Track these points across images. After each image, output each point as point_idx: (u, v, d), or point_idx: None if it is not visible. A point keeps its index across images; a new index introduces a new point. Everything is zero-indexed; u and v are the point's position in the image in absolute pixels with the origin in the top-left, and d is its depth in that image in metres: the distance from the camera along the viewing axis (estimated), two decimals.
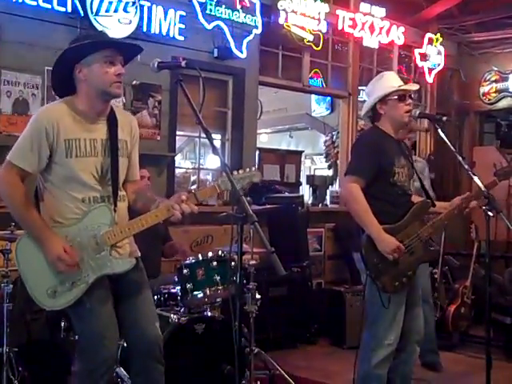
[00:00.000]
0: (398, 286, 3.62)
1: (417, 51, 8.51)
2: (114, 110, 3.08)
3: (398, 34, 8.07)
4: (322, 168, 10.84)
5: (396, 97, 3.74)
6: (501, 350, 5.72)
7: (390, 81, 3.83)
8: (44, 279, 2.89)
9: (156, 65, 2.89)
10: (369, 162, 3.68)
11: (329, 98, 9.98)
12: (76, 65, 2.94)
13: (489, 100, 9.05)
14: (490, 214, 3.45)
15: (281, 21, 6.83)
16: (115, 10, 5.53)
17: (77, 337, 3.08)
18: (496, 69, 8.91)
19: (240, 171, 2.92)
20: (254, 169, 2.92)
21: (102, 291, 2.96)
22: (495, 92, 8.95)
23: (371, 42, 7.81)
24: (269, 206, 5.69)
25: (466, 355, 5.82)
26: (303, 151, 9.29)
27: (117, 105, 5.52)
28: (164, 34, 5.90)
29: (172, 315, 3.96)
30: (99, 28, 5.43)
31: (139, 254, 3.21)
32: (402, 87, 3.77)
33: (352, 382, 3.81)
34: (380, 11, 7.81)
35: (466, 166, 3.70)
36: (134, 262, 3.02)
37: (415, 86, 3.94)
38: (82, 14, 5.36)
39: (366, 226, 3.60)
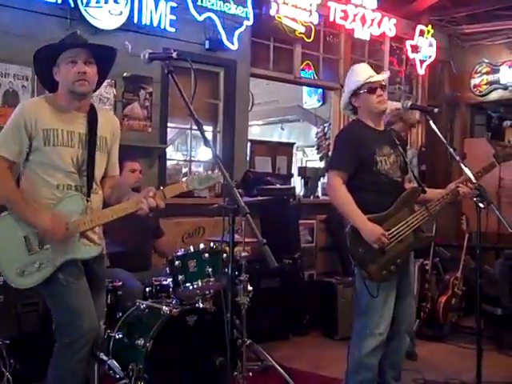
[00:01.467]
0: (386, 274, 3.63)
1: (408, 43, 8.50)
2: (97, 109, 3.29)
3: (389, 26, 8.05)
4: (313, 160, 10.86)
5: (366, 89, 3.77)
6: (491, 340, 5.76)
7: (358, 74, 3.86)
8: (14, 258, 3.05)
9: (147, 56, 2.89)
10: (348, 154, 3.72)
11: (320, 90, 10.00)
12: (53, 66, 3.17)
13: (480, 92, 9.06)
14: (481, 205, 3.46)
15: (272, 12, 6.81)
16: (106, 1, 5.50)
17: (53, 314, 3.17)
18: (487, 61, 8.92)
19: (207, 172, 3.02)
20: (216, 171, 2.97)
21: (75, 269, 3.11)
22: (486, 84, 8.96)
23: (363, 33, 7.79)
24: (260, 198, 5.68)
25: (457, 346, 5.85)
26: (295, 143, 9.28)
27: (107, 97, 5.60)
28: (155, 25, 5.86)
29: (164, 307, 3.95)
30: (89, 19, 5.42)
31: (104, 251, 3.36)
32: (368, 79, 3.77)
33: (345, 373, 3.84)
34: (371, 3, 7.79)
35: (457, 158, 3.71)
36: (99, 250, 3.20)
37: (382, 76, 3.89)
38: (73, 5, 5.33)
39: (349, 216, 3.63)
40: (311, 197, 7.64)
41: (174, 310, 3.92)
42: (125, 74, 5.74)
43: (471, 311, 5.97)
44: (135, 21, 5.75)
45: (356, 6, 7.66)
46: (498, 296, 6.16)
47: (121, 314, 4.10)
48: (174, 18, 5.97)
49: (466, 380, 4.61)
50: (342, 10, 7.55)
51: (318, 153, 9.73)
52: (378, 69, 4.46)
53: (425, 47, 8.64)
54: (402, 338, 3.90)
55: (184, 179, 3.00)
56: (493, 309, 6.07)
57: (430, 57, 8.74)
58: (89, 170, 3.16)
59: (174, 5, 5.97)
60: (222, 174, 2.72)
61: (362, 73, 3.86)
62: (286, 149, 7.94)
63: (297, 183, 8.20)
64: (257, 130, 12.33)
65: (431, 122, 3.77)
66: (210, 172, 3.02)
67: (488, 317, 5.92)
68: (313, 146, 10.45)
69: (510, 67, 8.60)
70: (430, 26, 8.67)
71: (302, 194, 7.70)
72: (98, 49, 3.25)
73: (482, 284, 4.06)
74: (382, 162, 3.73)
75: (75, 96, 3.14)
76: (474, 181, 3.58)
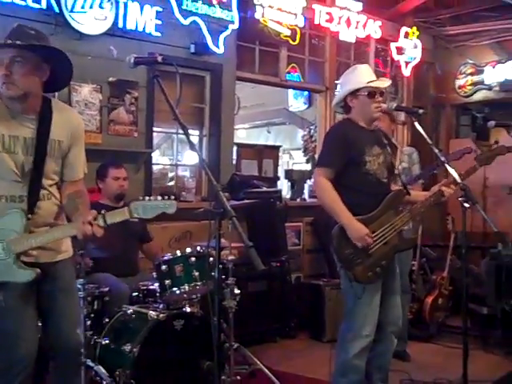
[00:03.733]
0: (372, 276, 3.65)
1: (393, 45, 8.54)
2: (54, 108, 3.01)
3: (374, 28, 8.09)
4: (300, 162, 10.86)
5: (366, 93, 3.77)
6: (478, 339, 5.80)
7: (361, 75, 3.84)
8: None
9: (132, 60, 2.88)
10: (337, 152, 3.73)
11: (306, 93, 10.01)
12: None
13: (464, 93, 9.11)
14: (466, 205, 3.48)
15: (257, 16, 6.83)
16: (90, 7, 5.49)
17: None
18: (471, 62, 8.98)
19: (158, 198, 2.85)
20: (171, 198, 2.87)
21: (18, 291, 2.87)
22: (471, 85, 9.02)
23: (348, 36, 7.83)
24: (247, 201, 5.69)
25: (444, 345, 5.88)
26: (281, 146, 9.29)
27: (93, 102, 5.59)
28: (140, 30, 5.86)
29: (150, 312, 3.95)
30: (74, 24, 5.41)
31: (69, 255, 3.15)
32: (372, 83, 3.78)
33: (332, 375, 3.86)
34: (356, 5, 7.83)
35: (443, 159, 3.73)
36: (33, 276, 2.85)
37: (386, 83, 3.91)
38: (57, 11, 5.32)
39: (335, 214, 3.64)
40: (298, 199, 7.66)
41: (161, 314, 3.92)
42: (110, 79, 5.73)
43: (458, 311, 6.01)
44: (120, 26, 5.74)
45: (341, 8, 7.70)
46: (484, 295, 6.19)
47: (107, 320, 4.09)
48: (159, 22, 5.97)
49: (452, 379, 4.64)
50: (327, 13, 7.58)
51: (304, 155, 9.75)
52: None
53: (409, 49, 8.68)
54: (389, 339, 3.91)
55: (131, 204, 2.83)
56: (479, 308, 6.10)
57: (414, 58, 8.79)
58: (34, 178, 2.91)
59: (160, 9, 5.97)
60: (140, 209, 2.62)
61: (365, 74, 3.85)
62: (273, 152, 7.95)
63: (283, 186, 8.22)
64: (243, 134, 12.34)
65: (416, 124, 3.78)
66: (160, 200, 2.85)
67: (474, 316, 5.96)
68: (299, 149, 10.46)
69: (494, 68, 8.66)
70: (414, 28, 8.72)
71: (288, 196, 7.71)
72: (27, 47, 2.83)
73: (468, 283, 4.09)
74: (370, 163, 3.75)
75: (5, 99, 2.88)
76: (459, 181, 3.60)
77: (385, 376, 3.98)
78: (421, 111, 3.93)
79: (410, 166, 5.40)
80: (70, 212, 3.01)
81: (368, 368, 3.82)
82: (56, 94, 4.15)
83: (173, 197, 2.82)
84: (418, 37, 8.74)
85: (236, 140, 7.50)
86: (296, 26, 7.21)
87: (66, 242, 3.11)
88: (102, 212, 2.80)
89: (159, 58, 2.83)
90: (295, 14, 7.15)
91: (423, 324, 6.20)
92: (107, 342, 3.94)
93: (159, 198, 2.80)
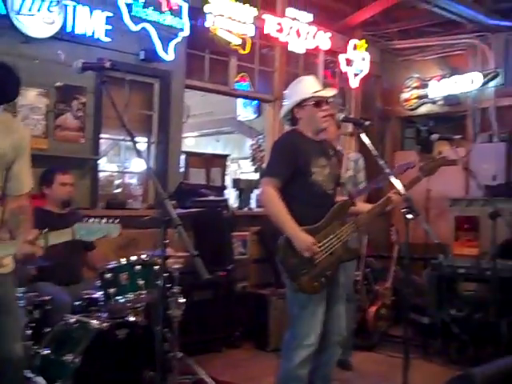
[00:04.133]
0: (317, 286, 3.67)
1: (342, 57, 8.65)
2: None
3: (323, 40, 8.18)
4: (248, 172, 10.90)
5: (313, 103, 3.81)
6: (419, 348, 5.91)
7: (307, 86, 3.88)
8: None
9: (80, 65, 2.86)
10: (284, 163, 3.74)
11: (255, 102, 10.06)
12: None
13: (410, 106, 9.30)
14: (409, 216, 3.54)
15: (208, 24, 6.83)
16: (38, 9, 5.41)
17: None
18: (416, 76, 9.18)
19: (102, 221, 2.84)
20: (115, 222, 2.86)
21: None
22: (416, 98, 9.21)
23: (297, 46, 7.90)
24: (194, 210, 5.67)
25: (386, 355, 5.97)
26: (229, 155, 9.32)
27: (39, 106, 5.50)
28: (89, 35, 5.79)
29: (93, 321, 3.90)
30: (21, 27, 5.32)
31: (11, 269, 3.09)
32: (317, 93, 3.83)
33: None
34: (306, 16, 7.91)
35: (388, 171, 3.79)
36: None
37: (331, 92, 3.96)
38: (4, 13, 5.22)
39: (281, 224, 3.65)
40: (245, 209, 7.67)
41: (104, 323, 3.88)
42: (57, 84, 5.65)
43: (400, 320, 6.10)
44: (69, 30, 5.66)
45: (291, 19, 7.76)
46: (425, 305, 6.31)
47: (48, 329, 4.01)
48: (109, 27, 5.91)
49: None
50: (278, 23, 7.64)
51: (252, 165, 9.80)
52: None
53: (358, 61, 8.81)
54: (333, 349, 3.93)
55: (75, 225, 2.79)
56: (420, 318, 6.22)
57: (362, 71, 8.91)
58: None
59: (110, 14, 5.92)
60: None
61: (311, 85, 3.88)
62: (221, 161, 7.96)
63: (231, 195, 8.22)
64: (192, 142, 12.31)
65: (363, 135, 3.83)
66: (104, 223, 2.83)
67: (415, 326, 6.08)
68: (247, 158, 10.50)
69: (438, 82, 8.87)
70: (363, 41, 8.85)
71: (235, 205, 7.72)
72: None
73: (410, 294, 4.17)
74: (316, 174, 3.77)
75: None
76: (403, 192, 3.66)
77: None
78: (367, 123, 3.98)
79: (356, 174, 5.47)
80: (13, 228, 2.95)
81: (311, 377, 3.83)
82: None
83: (117, 220, 2.82)
84: (366, 49, 8.88)
85: (184, 148, 7.48)
86: (246, 35, 7.24)
87: (7, 257, 3.03)
88: (45, 231, 2.75)
89: (107, 64, 2.82)
90: (245, 24, 7.18)
91: (366, 333, 6.29)
92: (48, 352, 3.86)
93: (103, 221, 2.80)
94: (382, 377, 5.19)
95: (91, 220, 2.74)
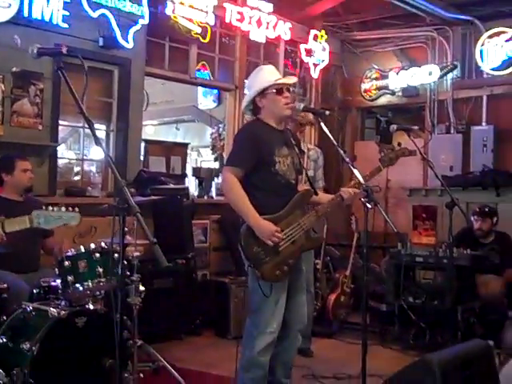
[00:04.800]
0: (279, 274, 3.69)
1: (302, 47, 8.67)
2: None
3: (284, 29, 8.19)
4: (208, 160, 10.89)
5: (274, 90, 3.83)
6: (377, 335, 6.02)
7: (267, 74, 3.90)
8: None
9: (36, 51, 2.80)
10: (247, 152, 3.75)
11: (216, 91, 10.05)
12: None
13: (370, 97, 9.37)
14: (369, 205, 3.58)
15: (168, 12, 6.77)
16: None
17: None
18: (376, 67, 9.25)
19: (62, 209, 2.80)
20: (76, 210, 2.83)
21: None
22: (376, 89, 9.28)
23: (258, 36, 7.89)
24: (153, 198, 5.65)
25: (345, 342, 6.05)
26: (189, 143, 9.29)
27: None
28: (47, 20, 5.69)
29: (51, 309, 3.83)
30: None
31: None
32: (278, 81, 3.85)
33: (236, 371, 3.88)
34: (267, 6, 7.90)
35: (347, 160, 3.83)
36: None
37: (292, 79, 4.02)
38: None
39: (242, 213, 3.67)
40: (205, 197, 7.66)
41: (63, 311, 3.82)
42: (14, 69, 5.54)
43: (359, 308, 6.18)
44: (25, 14, 5.56)
45: (252, 8, 7.75)
46: (383, 293, 6.41)
47: (5, 318, 3.94)
48: (66, 13, 5.82)
49: (352, 374, 4.78)
50: (238, 12, 7.62)
51: (212, 153, 9.78)
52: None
53: (318, 51, 8.84)
54: (294, 337, 3.96)
55: (33, 213, 2.74)
56: (378, 305, 6.32)
57: (323, 61, 8.95)
58: None
59: (67, 0, 5.83)
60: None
61: (271, 74, 3.91)
62: (181, 149, 7.93)
63: (191, 183, 8.20)
64: (151, 130, 12.23)
65: (323, 125, 3.85)
66: (64, 211, 2.79)
67: (374, 313, 6.17)
68: (208, 147, 10.48)
69: (397, 74, 8.95)
70: (323, 31, 8.88)
71: (196, 194, 7.71)
72: None
73: (369, 282, 4.21)
74: (280, 163, 3.79)
75: None
76: (363, 182, 3.70)
77: (288, 372, 4.04)
78: (327, 112, 4.02)
79: (315, 172, 5.54)
80: None
81: (272, 364, 3.87)
82: None
83: (77, 209, 2.78)
84: (326, 40, 8.91)
85: (144, 136, 7.42)
86: (207, 23, 7.20)
87: None
88: (1, 219, 2.70)
89: (64, 50, 2.77)
90: (206, 12, 7.14)
91: (326, 321, 6.35)
92: (4, 340, 3.80)
93: (63, 209, 2.76)
94: (341, 363, 5.25)
95: (50, 208, 2.69)
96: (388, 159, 4.12)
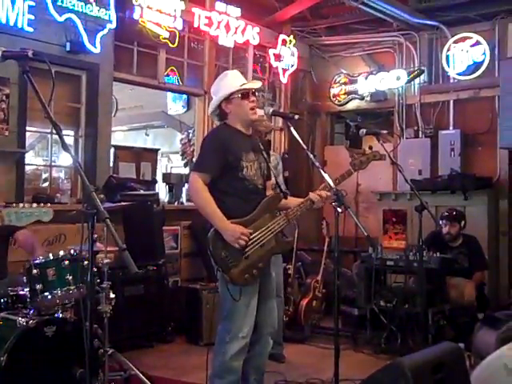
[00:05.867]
0: (248, 278, 3.67)
1: (271, 51, 8.69)
2: None
3: (253, 34, 8.21)
4: (178, 166, 10.83)
5: (239, 95, 3.83)
6: (349, 339, 6.03)
7: (232, 80, 3.91)
8: None
9: (0, 54, 2.74)
10: (213, 157, 3.75)
11: (185, 96, 10.02)
12: None
13: (339, 101, 9.42)
14: (339, 210, 3.58)
15: (136, 16, 6.73)
16: None
17: None
18: (345, 72, 9.30)
19: (33, 205, 2.77)
20: (48, 205, 2.80)
21: None
22: (344, 94, 9.33)
23: (227, 40, 7.89)
24: (123, 204, 5.59)
25: (317, 346, 6.04)
26: (159, 149, 9.23)
27: None
28: (11, 24, 5.62)
29: (19, 318, 3.77)
30: None
31: None
32: (244, 85, 3.85)
33: (209, 378, 3.85)
34: (235, 11, 7.91)
35: (317, 164, 3.83)
36: None
37: (257, 84, 4.01)
38: None
39: (209, 217, 3.66)
40: (176, 203, 7.62)
41: (31, 321, 3.75)
42: None
43: (330, 312, 6.20)
44: None
45: (220, 13, 7.74)
46: (355, 297, 6.42)
47: None
48: (32, 17, 5.75)
49: (325, 379, 4.78)
50: (207, 17, 7.61)
51: (182, 159, 9.73)
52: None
53: (287, 56, 8.88)
54: (265, 341, 3.95)
55: (3, 210, 2.68)
56: (350, 309, 6.33)
57: (292, 66, 8.99)
58: None
59: (32, 3, 5.76)
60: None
61: (236, 79, 3.92)
62: (151, 155, 7.89)
63: (161, 189, 8.15)
64: (121, 136, 12.13)
65: (292, 129, 3.86)
66: (35, 207, 2.74)
67: (346, 317, 6.18)
68: (177, 153, 10.43)
69: (366, 78, 9.01)
70: (291, 36, 8.92)
71: (166, 200, 7.66)
72: None
73: (340, 286, 4.21)
74: (247, 168, 3.78)
75: None
76: (333, 186, 3.70)
77: (261, 377, 4.01)
78: (296, 117, 4.02)
79: (276, 178, 5.53)
80: None
81: (244, 369, 3.85)
82: None
83: (49, 204, 2.74)
84: (294, 45, 8.94)
85: (113, 142, 7.35)
86: (175, 28, 7.17)
87: None
88: None
89: (30, 53, 2.71)
90: (174, 17, 7.11)
91: (298, 326, 6.34)
92: None
93: (34, 205, 2.71)
94: (313, 368, 5.25)
95: (21, 205, 2.64)
96: (359, 163, 4.13)
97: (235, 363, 3.74)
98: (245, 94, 3.83)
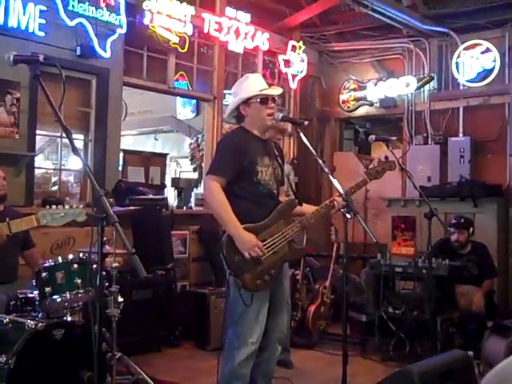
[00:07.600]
0: (260, 284, 3.65)
1: (281, 57, 8.70)
2: None
3: (262, 40, 8.22)
4: (187, 171, 10.83)
5: (259, 100, 3.82)
6: (357, 346, 6.00)
7: (254, 84, 3.89)
8: None
9: (12, 58, 2.76)
10: (229, 161, 3.73)
11: (194, 101, 10.01)
12: None
13: (348, 108, 9.42)
14: (348, 216, 3.57)
15: (146, 21, 6.75)
16: None
17: None
18: (354, 78, 9.30)
19: (66, 206, 2.80)
20: (81, 206, 2.82)
21: None
22: (354, 100, 9.33)
23: (236, 46, 7.90)
24: (132, 208, 5.60)
25: (325, 352, 6.03)
26: (168, 154, 9.24)
27: None
28: (23, 28, 5.65)
29: (28, 321, 3.78)
30: None
31: None
32: (264, 91, 3.84)
33: (216, 383, 3.84)
34: (245, 16, 7.92)
35: (327, 170, 3.81)
36: None
37: (278, 91, 3.97)
38: None
39: (224, 223, 3.64)
40: (184, 208, 7.62)
41: (40, 323, 3.76)
42: None
43: (339, 318, 6.17)
44: (1, 23, 5.51)
45: (230, 18, 7.76)
46: (363, 303, 6.40)
47: None
48: (43, 21, 5.78)
49: None
50: (216, 22, 7.62)
51: (191, 164, 9.73)
52: None
53: (297, 62, 8.88)
54: (274, 347, 3.93)
55: (39, 213, 2.71)
56: (358, 315, 6.31)
57: (301, 72, 8.99)
58: None
59: (44, 8, 5.78)
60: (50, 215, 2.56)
61: (257, 83, 3.89)
62: (160, 159, 7.89)
63: (170, 194, 8.16)
64: (130, 140, 12.15)
65: (301, 134, 3.85)
66: (69, 208, 2.77)
67: (354, 323, 6.15)
68: (186, 157, 10.42)
69: (375, 85, 9.01)
70: (301, 42, 8.93)
71: (175, 204, 7.67)
72: None
73: (349, 292, 4.20)
74: (262, 173, 3.77)
75: None
76: (342, 192, 3.69)
77: (268, 383, 4.00)
78: (306, 122, 4.01)
79: (290, 184, 5.53)
80: None
81: (252, 375, 3.83)
82: None
83: (81, 205, 2.77)
84: (304, 51, 8.95)
85: (122, 146, 7.37)
86: (185, 33, 7.19)
87: None
88: (7, 219, 2.68)
89: (41, 58, 2.73)
90: (184, 22, 7.12)
91: (306, 332, 6.33)
92: None
93: (67, 206, 2.76)
94: (321, 374, 5.24)
95: (54, 206, 2.67)
96: (374, 172, 4.12)
97: (243, 369, 3.72)
98: (264, 100, 3.81)
